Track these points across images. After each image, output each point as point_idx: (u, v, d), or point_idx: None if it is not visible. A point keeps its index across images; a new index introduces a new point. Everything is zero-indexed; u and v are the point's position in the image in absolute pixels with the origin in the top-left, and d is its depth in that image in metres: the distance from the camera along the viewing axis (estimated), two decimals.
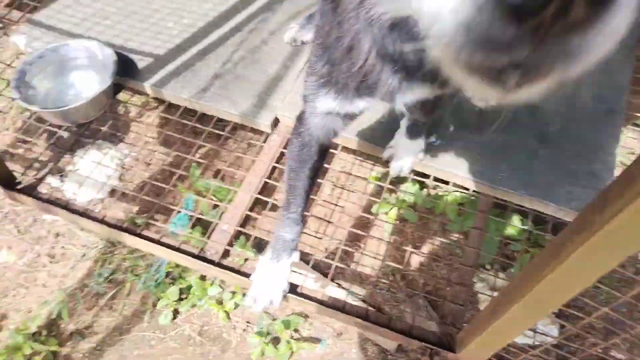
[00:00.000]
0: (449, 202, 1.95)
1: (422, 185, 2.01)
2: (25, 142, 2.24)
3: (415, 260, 2.04)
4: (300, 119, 1.35)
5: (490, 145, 1.86)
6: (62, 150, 2.11)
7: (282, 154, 1.99)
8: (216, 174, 2.23)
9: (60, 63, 2.09)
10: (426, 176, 1.92)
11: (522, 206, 1.81)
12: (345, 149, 2.02)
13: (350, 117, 1.25)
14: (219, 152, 2.17)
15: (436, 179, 1.89)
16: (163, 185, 1.96)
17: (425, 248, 2.07)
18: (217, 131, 2.08)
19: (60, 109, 1.91)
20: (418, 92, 1.04)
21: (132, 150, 2.30)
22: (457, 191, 1.93)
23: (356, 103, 1.15)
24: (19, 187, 1.85)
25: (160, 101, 2.26)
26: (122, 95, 2.27)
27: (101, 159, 2.10)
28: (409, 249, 1.92)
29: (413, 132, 1.77)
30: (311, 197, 1.85)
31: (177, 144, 2.08)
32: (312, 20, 2.11)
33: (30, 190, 1.85)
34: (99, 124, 2.12)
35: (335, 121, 1.26)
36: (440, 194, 2.02)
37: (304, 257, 1.88)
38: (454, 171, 1.83)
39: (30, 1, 2.46)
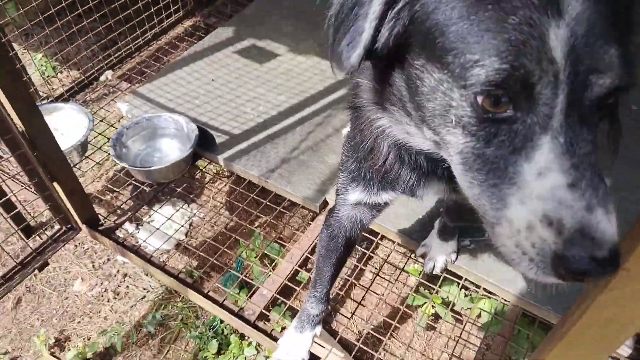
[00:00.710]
0: (484, 307, 2.07)
1: (463, 286, 2.15)
2: (112, 191, 2.61)
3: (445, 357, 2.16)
4: (331, 211, 1.54)
5: None
6: (141, 202, 2.45)
7: None
8: (270, 241, 2.49)
9: (152, 130, 2.48)
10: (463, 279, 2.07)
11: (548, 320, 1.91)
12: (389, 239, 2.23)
13: (377, 209, 1.44)
14: (274, 224, 2.44)
15: (469, 281, 2.04)
16: (219, 246, 2.22)
17: (457, 349, 2.17)
18: (274, 205, 2.36)
19: (145, 169, 2.26)
20: (435, 190, 1.23)
21: (200, 210, 2.62)
22: (489, 297, 2.07)
23: (381, 195, 1.34)
24: (100, 228, 2.17)
25: (232, 172, 2.59)
26: (201, 163, 2.62)
27: (173, 215, 2.41)
28: (437, 348, 2.04)
29: (445, 233, 1.97)
30: (352, 280, 2.06)
31: (239, 210, 2.37)
32: None
33: (109, 233, 2.16)
34: (177, 184, 2.46)
35: (363, 212, 1.45)
36: (479, 297, 2.14)
37: (333, 332, 2.05)
38: (484, 276, 1.98)
39: (137, 75, 2.93)
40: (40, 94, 2.91)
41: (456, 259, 2.02)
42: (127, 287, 2.58)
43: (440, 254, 2.02)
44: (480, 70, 0.72)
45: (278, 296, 2.04)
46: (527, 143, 0.74)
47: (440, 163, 1.06)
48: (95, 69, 2.91)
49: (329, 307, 1.82)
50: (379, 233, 2.21)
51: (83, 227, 2.12)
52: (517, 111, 0.74)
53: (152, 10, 3.06)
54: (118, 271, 2.63)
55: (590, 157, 0.71)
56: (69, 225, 2.08)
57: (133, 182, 2.45)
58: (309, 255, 2.16)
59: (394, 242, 2.26)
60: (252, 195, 2.39)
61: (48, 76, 3.12)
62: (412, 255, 2.24)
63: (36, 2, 2.56)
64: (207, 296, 1.99)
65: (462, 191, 0.90)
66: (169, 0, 3.16)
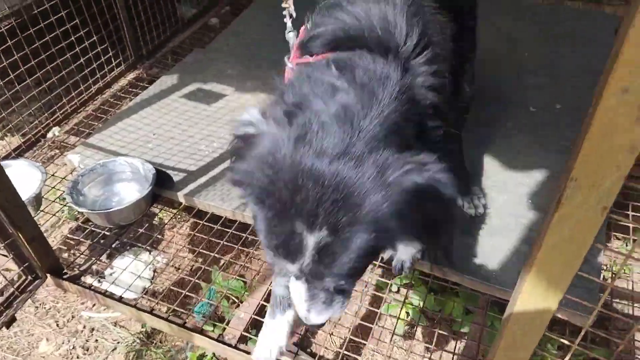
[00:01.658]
0: (456, 302, 2.14)
1: (431, 289, 2.21)
2: (70, 243, 2.54)
3: None
4: None
5: (483, 247, 2.12)
6: (104, 248, 2.41)
7: None
8: (236, 271, 2.49)
9: (108, 175, 2.47)
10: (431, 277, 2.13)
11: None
12: None
13: None
14: (239, 253, 2.45)
15: (436, 278, 2.12)
16: (190, 278, 2.21)
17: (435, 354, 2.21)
18: (238, 233, 2.37)
19: (104, 211, 2.24)
20: None
21: (163, 256, 2.59)
22: (459, 290, 2.15)
23: None
24: (64, 276, 2.11)
25: (190, 214, 2.60)
26: (157, 209, 2.62)
27: (136, 264, 2.38)
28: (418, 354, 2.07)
29: None
30: None
31: (203, 244, 2.37)
32: None
33: (74, 280, 2.10)
34: (135, 233, 2.44)
35: None
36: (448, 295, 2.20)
37: (313, 355, 2.05)
38: (448, 270, 2.06)
39: (84, 129, 2.93)
40: None
41: (423, 255, 2.09)
42: (96, 340, 2.48)
43: (406, 254, 2.09)
44: None
45: (257, 317, 2.03)
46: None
47: None
48: (42, 126, 2.89)
49: None
50: None
51: (47, 276, 2.05)
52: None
53: (94, 65, 3.10)
54: (84, 327, 2.53)
55: (318, 293, 1.20)
56: (33, 275, 2.01)
57: (93, 228, 2.41)
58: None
59: None
60: (216, 226, 2.40)
61: None
62: (378, 263, 2.30)
63: None
64: (183, 325, 1.96)
65: None
66: (110, 55, 3.22)
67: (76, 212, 2.64)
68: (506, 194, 2.30)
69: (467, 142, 2.51)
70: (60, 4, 2.86)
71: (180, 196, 2.45)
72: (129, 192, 2.47)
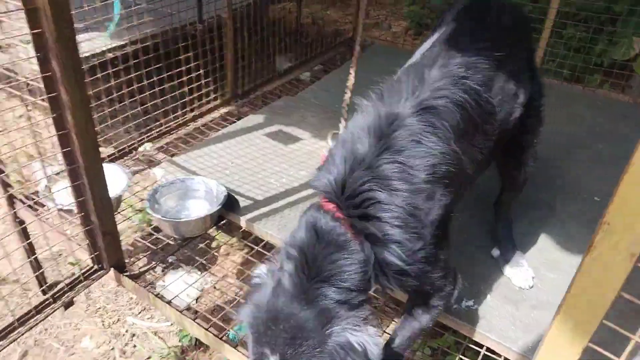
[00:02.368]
0: None
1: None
2: (135, 247, 2.76)
3: None
4: None
5: (524, 319, 2.08)
6: (162, 257, 2.59)
7: None
8: None
9: (184, 191, 2.70)
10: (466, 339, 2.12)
11: None
12: None
13: None
14: None
15: (471, 341, 2.09)
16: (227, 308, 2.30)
17: None
18: None
19: (174, 220, 2.44)
20: None
21: (213, 279, 2.74)
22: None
23: None
24: (125, 273, 2.30)
25: (245, 245, 2.74)
26: (218, 235, 2.80)
27: (185, 279, 2.54)
28: None
29: None
30: None
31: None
32: None
33: (133, 278, 2.28)
34: (194, 253, 2.61)
35: None
36: None
37: None
38: (487, 334, 2.02)
39: (173, 149, 3.23)
40: None
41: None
42: (134, 346, 2.64)
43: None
44: None
45: None
46: None
47: None
48: (137, 140, 3.21)
49: None
50: None
51: (111, 269, 2.25)
52: None
53: (194, 95, 3.45)
54: (127, 331, 2.71)
55: None
56: (99, 265, 2.21)
57: (159, 236, 2.61)
58: None
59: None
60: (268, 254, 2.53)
61: None
62: None
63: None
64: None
65: None
66: (211, 88, 3.57)
67: (147, 221, 2.88)
68: (557, 272, 2.27)
69: (525, 217, 2.52)
70: (174, 39, 3.26)
71: (243, 220, 2.62)
72: (198, 208, 2.67)
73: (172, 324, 2.69)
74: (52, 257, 2.58)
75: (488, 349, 2.03)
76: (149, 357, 2.57)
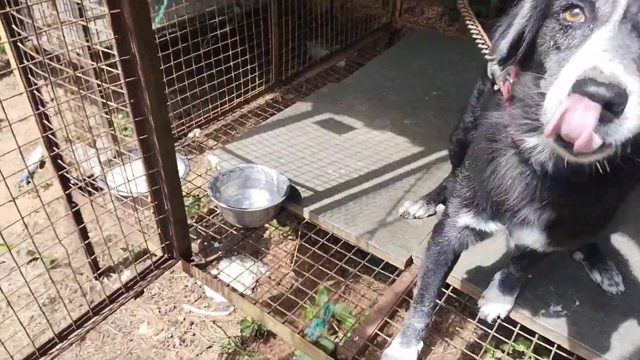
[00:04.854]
0: None
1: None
2: (198, 233, 2.68)
3: None
4: (438, 231, 1.70)
5: (616, 327, 2.01)
6: (222, 248, 2.52)
7: (411, 290, 2.25)
8: (345, 297, 2.50)
9: (245, 180, 2.61)
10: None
11: None
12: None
13: (481, 235, 1.60)
14: (352, 283, 2.47)
15: (560, 347, 2.01)
16: (297, 300, 2.22)
17: None
18: (348, 265, 2.40)
19: (238, 210, 2.36)
20: (533, 238, 1.40)
21: (268, 269, 2.66)
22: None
23: (488, 224, 1.50)
24: (193, 262, 2.22)
25: (297, 234, 2.66)
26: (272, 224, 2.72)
27: (242, 271, 2.45)
28: None
29: (505, 286, 2.03)
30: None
31: (312, 269, 2.41)
32: (424, 200, 2.54)
33: (202, 267, 2.21)
34: (248, 242, 2.53)
35: (469, 236, 1.62)
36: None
37: None
38: (579, 342, 1.94)
39: (222, 135, 3.13)
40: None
41: (506, 314, 2.06)
42: (194, 334, 2.57)
43: (496, 306, 2.06)
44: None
45: (370, 343, 2.03)
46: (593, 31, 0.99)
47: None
48: (186, 125, 3.12)
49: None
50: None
51: (180, 259, 2.18)
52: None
53: (240, 81, 3.34)
54: (184, 319, 2.64)
55: (630, 50, 0.92)
56: (170, 254, 2.14)
57: (222, 224, 2.53)
58: (397, 308, 2.17)
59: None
60: (335, 247, 2.45)
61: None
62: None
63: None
64: (300, 333, 1.99)
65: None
66: (256, 74, 3.45)
67: (206, 209, 2.80)
68: None
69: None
70: (222, 21, 3.14)
71: (306, 212, 2.54)
72: (259, 198, 2.59)
73: (229, 314, 2.62)
74: (104, 242, 2.50)
75: (578, 357, 1.96)
76: (209, 347, 2.51)
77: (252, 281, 2.63)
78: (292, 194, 2.60)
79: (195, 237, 2.63)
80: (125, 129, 3.28)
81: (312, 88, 3.76)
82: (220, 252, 2.48)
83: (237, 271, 2.46)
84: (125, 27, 1.68)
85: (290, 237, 2.91)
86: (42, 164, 3.34)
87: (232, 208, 2.36)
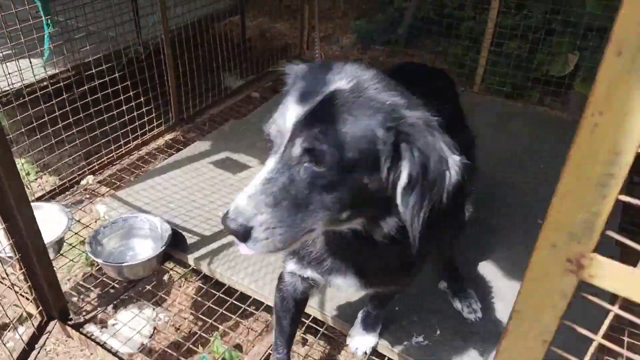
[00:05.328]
0: None
1: None
2: (81, 290, 2.65)
3: None
4: (280, 279, 1.84)
5: (472, 353, 2.13)
6: (110, 301, 2.51)
7: None
8: (233, 341, 2.53)
9: (128, 230, 2.62)
10: None
11: None
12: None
13: (308, 282, 1.72)
14: (237, 323, 2.51)
15: None
16: (185, 343, 2.26)
17: None
18: (239, 303, 2.45)
19: (117, 265, 2.37)
20: (343, 282, 1.57)
21: (166, 314, 2.66)
22: None
23: (307, 271, 1.62)
24: (70, 322, 2.21)
25: (198, 276, 2.69)
26: (171, 268, 2.73)
27: (138, 318, 2.46)
28: None
29: (367, 324, 2.14)
30: None
31: (204, 309, 2.45)
32: None
33: (78, 327, 2.20)
34: (144, 287, 2.54)
35: (300, 282, 1.75)
36: None
37: None
38: None
39: (116, 181, 3.13)
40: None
41: (371, 351, 2.18)
42: None
43: (361, 343, 2.18)
44: None
45: None
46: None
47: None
48: (77, 173, 3.10)
49: None
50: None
51: (55, 320, 2.16)
52: None
53: (136, 123, 3.35)
54: None
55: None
56: (49, 316, 2.12)
57: (104, 278, 2.53)
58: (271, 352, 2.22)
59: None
60: (218, 293, 2.49)
61: (29, 181, 3.30)
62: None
63: (21, 116, 2.81)
64: None
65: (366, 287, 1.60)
66: (153, 115, 3.47)
67: (91, 262, 2.78)
68: (504, 302, 2.33)
69: (471, 245, 2.57)
70: (116, 66, 3.16)
71: (191, 259, 2.57)
72: (144, 248, 2.60)
73: None
74: None
75: None
76: None
77: (150, 329, 2.62)
78: (179, 241, 2.62)
79: (86, 290, 2.61)
80: None
81: (216, 125, 3.80)
82: (104, 309, 2.46)
83: (134, 321, 2.46)
84: None
85: (190, 279, 2.93)
86: None
87: (109, 263, 2.37)
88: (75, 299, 2.66)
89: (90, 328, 2.45)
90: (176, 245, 2.60)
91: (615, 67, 0.64)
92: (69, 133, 2.99)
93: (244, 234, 1.13)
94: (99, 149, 3.23)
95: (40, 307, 2.11)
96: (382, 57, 5.38)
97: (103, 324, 2.55)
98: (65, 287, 2.68)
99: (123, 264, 2.37)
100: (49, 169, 3.16)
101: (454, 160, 1.14)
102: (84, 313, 2.37)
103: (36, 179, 3.41)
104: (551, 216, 0.78)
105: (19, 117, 2.78)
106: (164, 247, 2.45)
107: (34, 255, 1.98)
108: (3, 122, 3.14)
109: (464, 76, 4.42)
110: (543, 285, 0.85)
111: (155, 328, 2.63)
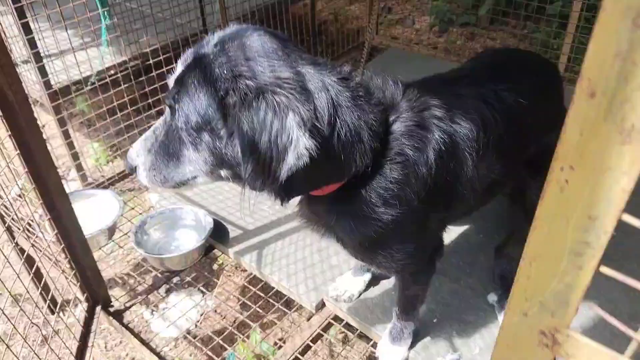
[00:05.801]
0: None
1: None
2: (132, 275, 2.77)
3: None
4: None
5: None
6: (154, 288, 2.60)
7: (319, 335, 2.25)
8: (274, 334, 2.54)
9: (173, 220, 2.68)
10: None
11: None
12: None
13: None
14: (274, 322, 2.50)
15: None
16: (231, 329, 2.29)
17: None
18: (283, 305, 2.43)
19: (158, 256, 2.43)
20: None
21: (213, 301, 2.71)
22: None
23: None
24: (111, 309, 2.31)
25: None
26: (218, 254, 2.77)
27: (187, 303, 2.52)
28: None
29: (394, 336, 2.02)
30: None
31: (248, 304, 2.46)
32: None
33: (118, 314, 2.29)
34: (193, 273, 2.59)
35: None
36: None
37: None
38: None
39: None
40: (90, 179, 3.25)
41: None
42: None
43: (387, 356, 2.05)
44: None
45: None
46: None
47: None
48: None
49: None
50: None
51: (98, 307, 2.27)
52: None
53: None
54: (127, 354, 2.72)
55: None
56: (91, 303, 2.23)
57: (150, 268, 2.61)
58: (298, 355, 2.18)
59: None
60: (262, 283, 2.48)
61: (101, 164, 3.49)
62: None
63: (103, 96, 2.98)
64: None
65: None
66: None
67: None
68: None
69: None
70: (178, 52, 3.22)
71: (231, 253, 2.58)
72: (187, 239, 2.64)
73: (170, 349, 2.71)
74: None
75: None
76: None
77: (198, 316, 2.70)
78: (221, 233, 2.65)
79: (138, 275, 2.72)
80: None
81: None
82: (144, 298, 2.55)
83: (183, 305, 2.53)
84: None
85: (240, 268, 2.97)
86: None
87: (150, 255, 2.43)
88: (130, 281, 2.79)
89: (142, 311, 2.55)
90: (219, 237, 2.63)
91: (588, 113, 0.50)
92: (138, 118, 3.13)
93: (131, 170, 1.44)
94: None
95: (87, 293, 2.21)
96: (461, 41, 5.06)
97: (154, 305, 2.64)
98: (114, 272, 2.82)
99: (164, 256, 2.43)
100: (119, 151, 3.33)
101: (299, 143, 1.13)
102: (127, 300, 2.46)
103: (108, 163, 3.61)
104: (519, 282, 0.65)
105: (89, 102, 2.94)
106: (202, 241, 2.48)
107: (77, 245, 2.07)
108: (81, 106, 3.36)
109: None
110: (517, 354, 0.71)
111: (202, 314, 2.69)
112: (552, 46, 4.14)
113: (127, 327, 2.27)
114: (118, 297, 2.48)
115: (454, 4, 5.36)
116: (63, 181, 3.11)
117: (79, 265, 2.13)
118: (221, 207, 2.83)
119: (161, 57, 3.09)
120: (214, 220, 2.62)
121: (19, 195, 2.72)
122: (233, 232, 2.67)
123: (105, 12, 2.76)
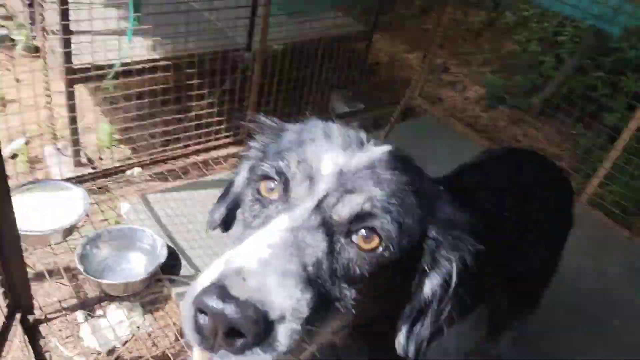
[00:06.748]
0: None
1: None
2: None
3: None
4: None
5: None
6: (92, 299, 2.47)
7: None
8: None
9: (130, 240, 2.57)
10: None
11: None
12: None
13: None
14: None
15: None
16: None
17: None
18: None
19: (96, 280, 2.31)
20: None
21: (152, 325, 2.53)
22: None
23: None
24: (30, 318, 2.20)
25: None
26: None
27: (122, 320, 2.38)
28: None
29: None
30: None
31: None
32: None
33: (35, 326, 2.19)
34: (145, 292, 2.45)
35: None
36: None
37: None
38: None
39: (158, 178, 3.12)
40: (83, 160, 3.15)
41: None
42: None
43: None
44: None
45: None
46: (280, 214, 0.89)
47: None
48: (127, 164, 3.14)
49: None
50: None
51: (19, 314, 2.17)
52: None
53: (205, 130, 3.34)
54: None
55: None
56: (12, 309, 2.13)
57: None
58: None
59: None
60: None
61: (102, 147, 3.38)
62: None
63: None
64: None
65: None
66: (224, 127, 3.42)
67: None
68: None
69: None
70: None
71: (173, 293, 2.45)
72: (137, 264, 2.53)
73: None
74: None
75: None
76: None
77: (128, 334, 2.53)
78: (174, 266, 2.52)
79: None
80: None
81: None
82: (67, 312, 2.41)
83: (120, 317, 2.39)
84: None
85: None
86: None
87: (90, 277, 2.31)
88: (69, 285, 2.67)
89: (76, 314, 2.40)
90: (171, 270, 2.50)
91: None
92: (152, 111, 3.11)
93: (258, 333, 0.69)
94: (167, 143, 3.28)
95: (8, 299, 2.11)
96: (504, 122, 4.79)
97: (90, 312, 2.47)
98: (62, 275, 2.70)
99: (102, 281, 2.32)
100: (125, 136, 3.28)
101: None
102: (52, 311, 2.35)
103: (110, 147, 3.51)
104: None
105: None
106: (149, 274, 2.35)
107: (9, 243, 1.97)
108: (108, 84, 3.29)
109: (579, 177, 3.70)
110: None
111: (133, 335, 2.52)
112: (594, 154, 3.83)
113: (34, 345, 2.15)
114: (49, 303, 2.38)
115: (510, 83, 5.10)
116: (56, 153, 3.07)
117: (6, 266, 2.03)
118: (186, 237, 2.70)
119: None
120: (170, 250, 2.50)
121: None
122: (184, 270, 2.54)
123: (136, 18, 2.73)
